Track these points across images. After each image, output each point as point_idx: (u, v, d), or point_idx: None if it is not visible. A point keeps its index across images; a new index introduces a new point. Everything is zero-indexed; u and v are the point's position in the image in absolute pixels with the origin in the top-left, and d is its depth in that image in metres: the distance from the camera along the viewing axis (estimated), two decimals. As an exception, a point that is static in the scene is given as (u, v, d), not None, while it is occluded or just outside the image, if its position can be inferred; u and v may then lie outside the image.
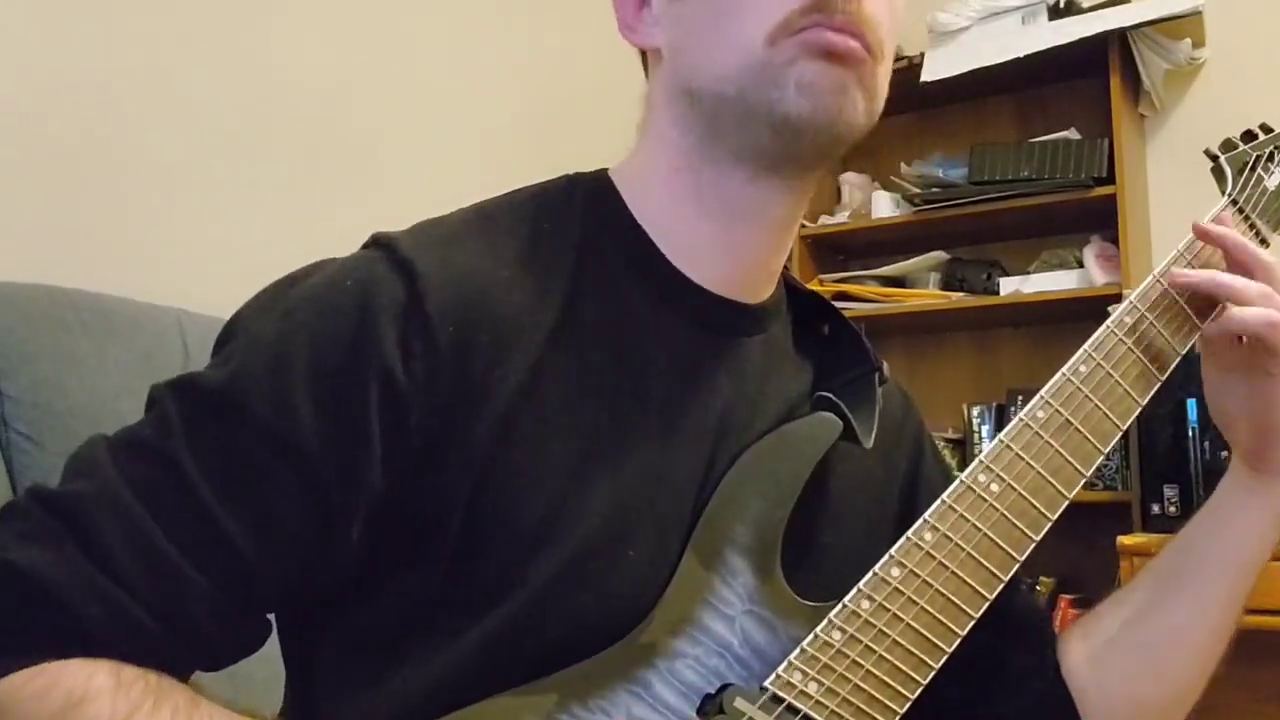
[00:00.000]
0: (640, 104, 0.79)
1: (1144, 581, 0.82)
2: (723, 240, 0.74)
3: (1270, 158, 0.85)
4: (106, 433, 0.65)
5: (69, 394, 1.03)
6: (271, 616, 0.69)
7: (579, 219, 0.73)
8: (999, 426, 2.46)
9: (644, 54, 0.79)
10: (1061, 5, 2.39)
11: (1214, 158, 0.86)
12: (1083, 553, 2.06)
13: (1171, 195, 2.44)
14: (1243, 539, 0.79)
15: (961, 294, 2.53)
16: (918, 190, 2.53)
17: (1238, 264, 0.78)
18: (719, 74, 0.70)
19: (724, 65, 0.69)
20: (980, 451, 0.74)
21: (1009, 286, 2.46)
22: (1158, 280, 0.78)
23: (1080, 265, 2.42)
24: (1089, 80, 2.46)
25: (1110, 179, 2.33)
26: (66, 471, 0.64)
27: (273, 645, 0.70)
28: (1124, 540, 1.92)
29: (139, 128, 1.43)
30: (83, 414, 1.03)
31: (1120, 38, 2.34)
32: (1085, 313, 2.25)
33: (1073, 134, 2.47)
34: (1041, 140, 2.46)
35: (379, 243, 0.69)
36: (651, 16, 0.75)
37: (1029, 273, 2.50)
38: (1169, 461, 2.02)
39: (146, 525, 0.61)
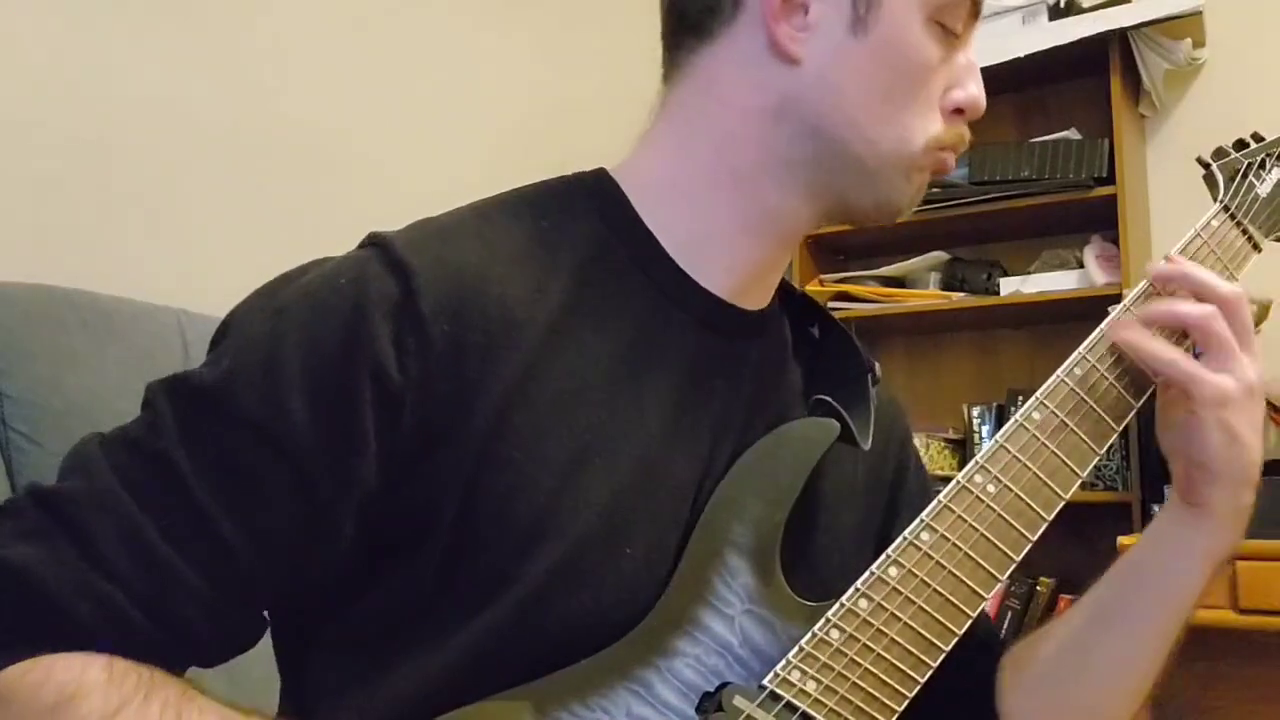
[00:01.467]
0: (653, 107, 0.77)
1: (1074, 615, 0.82)
2: (752, 255, 0.75)
3: (1262, 165, 0.87)
4: (104, 432, 0.66)
5: (68, 393, 1.03)
6: (266, 614, 0.69)
7: (583, 217, 0.73)
8: (999, 427, 2.45)
9: (664, 48, 0.77)
10: (1062, 5, 2.39)
11: (1205, 165, 0.87)
12: (1083, 553, 2.05)
13: (1172, 195, 2.44)
14: (1169, 577, 0.78)
15: (962, 294, 2.53)
16: (918, 190, 2.52)
17: (1201, 299, 0.77)
18: (870, 139, 0.72)
19: (879, 136, 0.72)
20: (981, 452, 0.74)
21: (1009, 286, 2.46)
22: (1150, 284, 0.79)
23: (1081, 265, 2.42)
24: (1089, 80, 2.46)
25: (1110, 179, 2.32)
26: (62, 470, 0.64)
27: (271, 642, 0.70)
28: (1124, 541, 1.92)
29: (139, 128, 1.44)
30: (82, 413, 1.03)
31: (1120, 38, 2.34)
32: (1086, 313, 2.25)
33: (1073, 134, 2.47)
34: (1042, 140, 2.46)
35: (374, 241, 0.69)
36: (803, 23, 0.71)
37: (1029, 273, 2.49)
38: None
39: (140, 523, 0.61)
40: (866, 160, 0.72)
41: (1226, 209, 0.84)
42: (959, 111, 0.75)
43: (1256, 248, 0.84)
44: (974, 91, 0.75)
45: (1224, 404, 0.72)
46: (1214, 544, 0.76)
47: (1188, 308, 0.75)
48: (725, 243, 0.74)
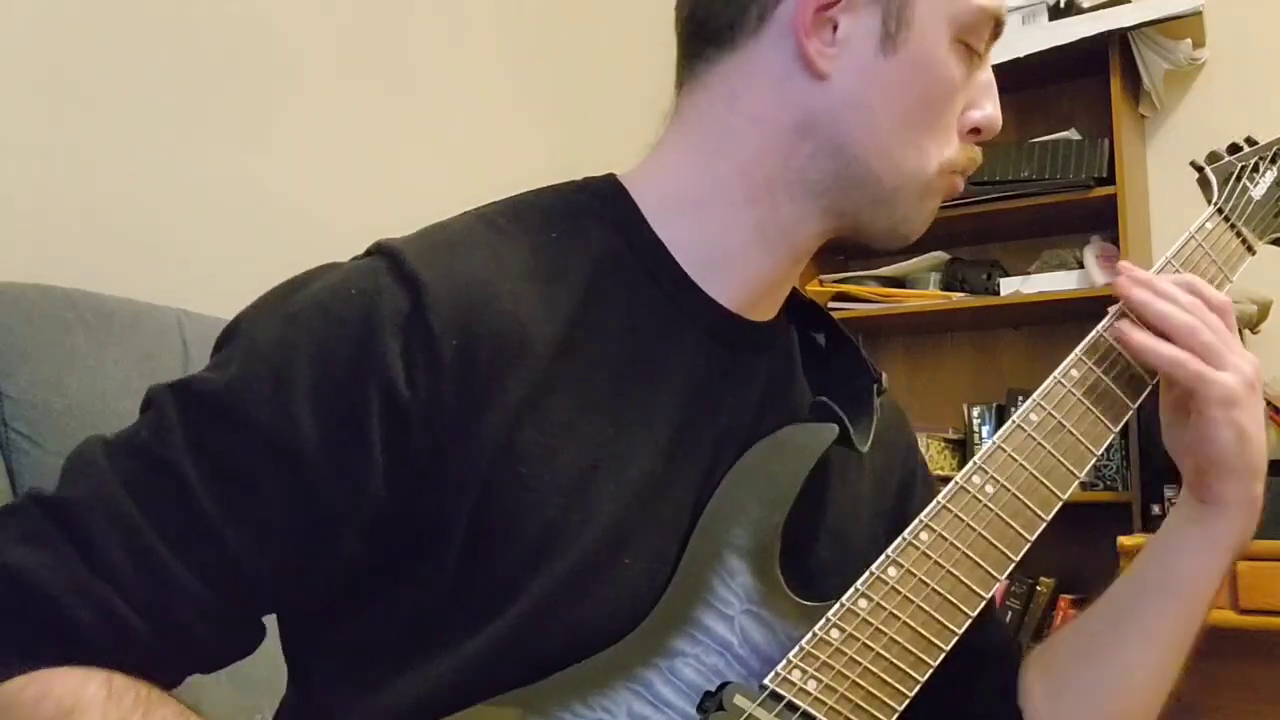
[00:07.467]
0: (666, 114, 0.77)
1: (1096, 614, 0.83)
2: (764, 269, 0.75)
3: (1255, 168, 0.88)
4: (105, 433, 0.65)
5: (69, 394, 1.03)
6: (272, 619, 0.69)
7: (593, 227, 0.73)
8: (999, 427, 2.44)
9: (680, 56, 0.76)
10: (1062, 5, 2.40)
11: (1199, 169, 0.88)
12: (1083, 553, 2.06)
13: (1171, 195, 2.44)
14: (1187, 573, 0.79)
15: (962, 294, 2.53)
16: (918, 190, 2.52)
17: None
18: (891, 159, 0.72)
19: (901, 158, 0.72)
20: (979, 452, 0.74)
21: (1009, 287, 2.46)
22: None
23: (1080, 266, 2.42)
24: (1089, 80, 2.46)
25: (1110, 179, 2.33)
26: (64, 474, 0.64)
27: (273, 644, 0.70)
28: (1124, 541, 1.92)
29: (140, 127, 1.44)
30: (82, 414, 1.03)
31: (1120, 38, 2.34)
32: (1085, 313, 2.23)
33: (1073, 134, 2.48)
34: (1041, 140, 2.46)
35: (383, 251, 0.68)
36: (831, 39, 0.71)
37: (1029, 273, 2.50)
38: (1169, 462, 2.00)
39: (141, 528, 0.61)
40: (885, 181, 0.72)
41: (1221, 211, 0.85)
42: (975, 131, 0.75)
43: (1250, 250, 0.86)
44: (991, 111, 0.75)
45: (1233, 402, 0.74)
46: (1231, 535, 0.78)
47: (1179, 317, 0.75)
48: (738, 256, 0.74)
